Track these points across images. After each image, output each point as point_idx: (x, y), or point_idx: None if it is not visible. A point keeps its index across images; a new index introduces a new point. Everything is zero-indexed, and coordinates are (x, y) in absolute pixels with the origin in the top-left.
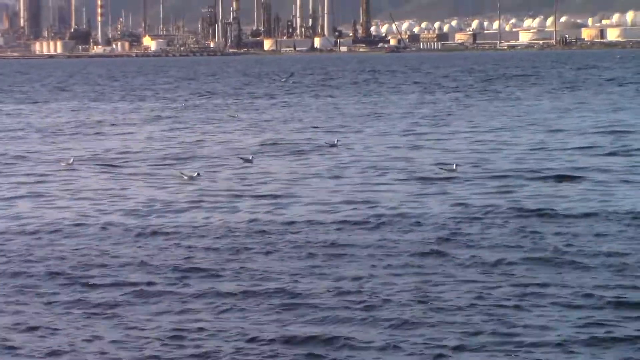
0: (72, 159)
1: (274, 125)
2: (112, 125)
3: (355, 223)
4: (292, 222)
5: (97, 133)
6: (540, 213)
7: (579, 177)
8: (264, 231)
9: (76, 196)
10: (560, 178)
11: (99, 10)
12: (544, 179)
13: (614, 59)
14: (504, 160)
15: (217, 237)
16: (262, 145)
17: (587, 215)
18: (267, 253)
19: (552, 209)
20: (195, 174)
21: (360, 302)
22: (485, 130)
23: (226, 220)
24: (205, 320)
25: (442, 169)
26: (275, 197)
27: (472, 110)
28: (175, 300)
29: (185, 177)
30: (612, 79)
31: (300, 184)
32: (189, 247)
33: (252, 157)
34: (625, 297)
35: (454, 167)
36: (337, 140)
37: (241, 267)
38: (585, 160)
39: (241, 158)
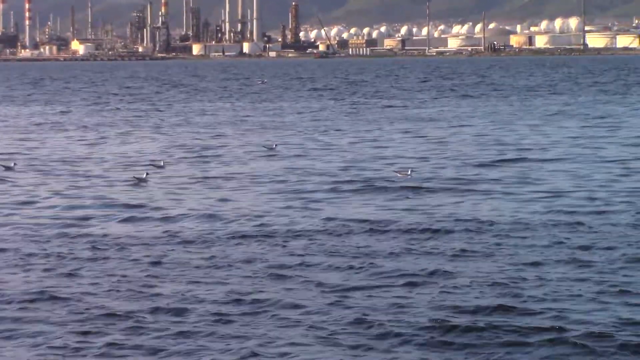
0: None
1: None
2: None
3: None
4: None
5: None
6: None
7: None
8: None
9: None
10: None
11: (26, 14)
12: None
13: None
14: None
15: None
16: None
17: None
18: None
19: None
20: (145, 175)
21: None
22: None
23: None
24: None
25: (396, 172)
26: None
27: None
28: None
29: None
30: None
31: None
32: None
33: (163, 162)
34: None
35: (409, 172)
36: (275, 145)
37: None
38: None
39: (151, 164)
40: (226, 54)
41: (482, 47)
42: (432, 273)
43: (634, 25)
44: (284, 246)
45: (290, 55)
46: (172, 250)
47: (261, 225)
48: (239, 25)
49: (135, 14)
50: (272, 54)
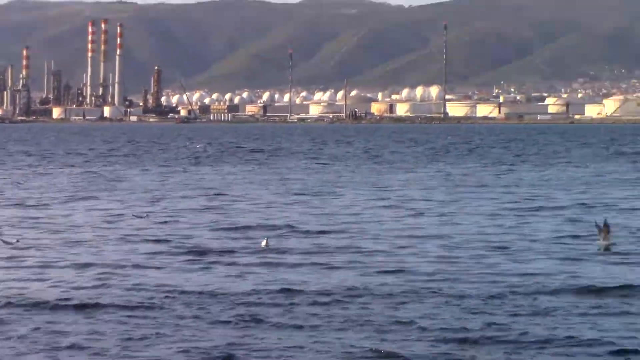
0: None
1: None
2: None
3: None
4: None
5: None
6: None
7: None
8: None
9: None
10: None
11: None
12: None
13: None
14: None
15: None
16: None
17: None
18: None
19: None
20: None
21: None
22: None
23: None
24: None
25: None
26: None
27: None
28: None
29: None
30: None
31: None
32: None
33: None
34: None
35: (264, 244)
36: (146, 214)
37: None
38: None
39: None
40: (87, 117)
41: (343, 115)
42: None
43: (494, 94)
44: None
45: (151, 120)
46: None
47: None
48: (101, 89)
49: None
50: (134, 118)
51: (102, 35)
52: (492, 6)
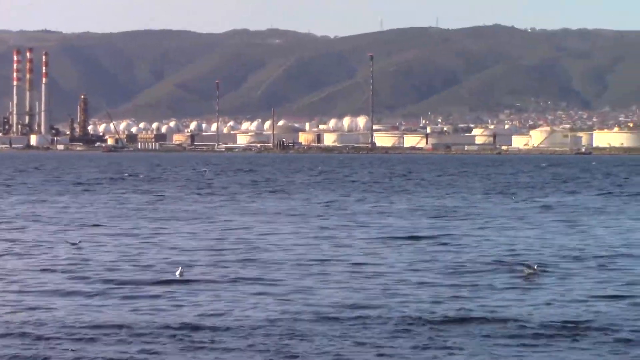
0: None
1: None
2: None
3: None
4: None
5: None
6: None
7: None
8: None
9: None
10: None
11: None
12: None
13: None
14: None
15: None
16: None
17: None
18: None
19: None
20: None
21: None
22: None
23: None
24: None
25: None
26: None
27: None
28: None
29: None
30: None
31: None
32: None
33: None
34: None
35: (178, 274)
36: (80, 241)
37: None
38: None
39: None
40: (13, 146)
41: (271, 144)
42: None
43: (420, 125)
44: None
45: (78, 148)
46: None
47: None
48: (27, 118)
49: None
50: (60, 147)
51: (28, 64)
52: (417, 37)
